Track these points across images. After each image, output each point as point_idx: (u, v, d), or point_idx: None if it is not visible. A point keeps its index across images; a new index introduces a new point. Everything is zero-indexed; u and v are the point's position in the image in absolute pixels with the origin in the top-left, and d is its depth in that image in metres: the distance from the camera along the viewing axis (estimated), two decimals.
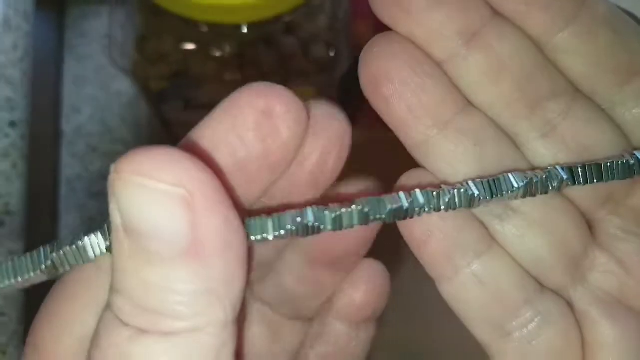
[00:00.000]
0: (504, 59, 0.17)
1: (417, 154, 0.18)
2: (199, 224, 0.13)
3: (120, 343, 0.13)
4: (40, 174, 0.39)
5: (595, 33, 0.17)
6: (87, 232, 0.14)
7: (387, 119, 0.17)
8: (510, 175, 0.16)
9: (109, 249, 0.14)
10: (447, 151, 0.17)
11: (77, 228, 0.42)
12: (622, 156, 0.17)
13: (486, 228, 0.18)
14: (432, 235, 0.17)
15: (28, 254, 0.15)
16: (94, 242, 0.14)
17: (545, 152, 0.18)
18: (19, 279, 0.15)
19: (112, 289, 0.13)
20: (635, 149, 0.17)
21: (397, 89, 0.17)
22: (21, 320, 0.31)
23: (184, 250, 0.13)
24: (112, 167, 0.13)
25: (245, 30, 0.32)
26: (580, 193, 0.18)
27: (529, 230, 0.18)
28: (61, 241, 0.15)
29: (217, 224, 0.13)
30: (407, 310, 0.38)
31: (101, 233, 0.14)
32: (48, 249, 0.15)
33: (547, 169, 0.17)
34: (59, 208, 0.42)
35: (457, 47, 0.17)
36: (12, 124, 0.30)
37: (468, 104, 0.17)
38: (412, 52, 0.17)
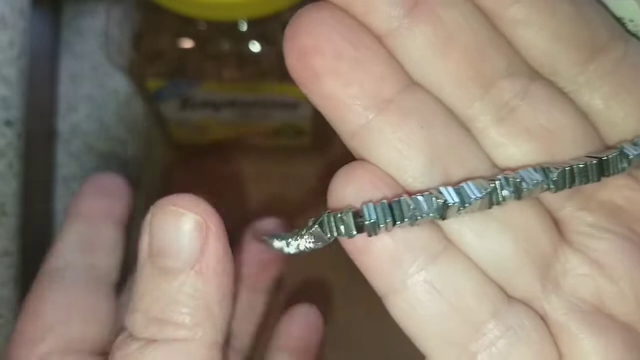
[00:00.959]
0: (453, 30, 0.15)
1: (355, 143, 0.15)
2: (207, 247, 0.16)
3: (132, 353, 0.16)
4: (36, 174, 0.38)
5: (553, 4, 0.15)
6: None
7: (317, 99, 0.15)
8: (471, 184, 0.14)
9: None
10: (391, 135, 0.15)
11: None
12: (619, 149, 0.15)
13: (438, 225, 0.15)
14: (374, 239, 0.15)
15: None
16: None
17: (503, 140, 0.16)
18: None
19: (130, 311, 0.17)
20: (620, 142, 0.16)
21: (330, 63, 0.14)
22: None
23: (193, 266, 0.16)
24: (152, 209, 0.17)
25: (244, 27, 0.31)
26: None
27: (489, 227, 0.15)
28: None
29: (219, 251, 0.16)
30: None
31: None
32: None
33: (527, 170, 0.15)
34: (55, 208, 0.42)
35: (399, 15, 0.15)
36: (8, 123, 0.30)
37: (412, 82, 0.15)
38: (346, 22, 0.15)
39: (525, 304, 0.15)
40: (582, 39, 0.15)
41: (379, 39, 0.15)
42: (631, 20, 0.17)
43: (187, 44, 0.32)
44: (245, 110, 0.37)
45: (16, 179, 0.30)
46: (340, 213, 0.15)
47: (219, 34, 0.32)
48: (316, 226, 0.15)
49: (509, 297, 0.15)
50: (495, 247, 0.15)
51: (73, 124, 0.43)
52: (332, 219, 0.15)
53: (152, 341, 0.16)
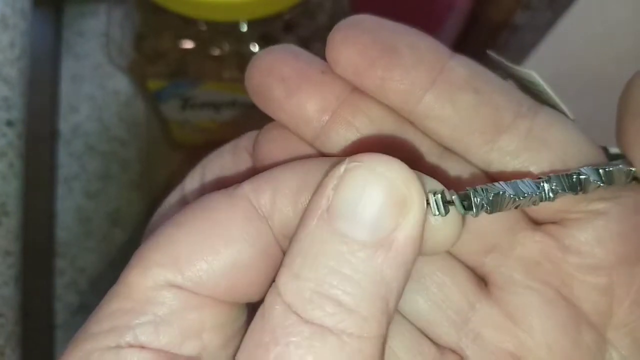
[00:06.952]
0: (363, 131, 0.18)
1: None
2: (402, 227, 0.14)
3: (302, 341, 0.14)
4: (37, 174, 0.39)
5: (453, 97, 0.17)
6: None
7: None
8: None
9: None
10: None
11: (74, 228, 0.42)
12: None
13: None
14: None
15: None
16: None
17: None
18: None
19: (288, 274, 0.14)
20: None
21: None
22: (18, 322, 0.31)
23: (379, 244, 0.14)
24: (350, 161, 0.14)
25: (244, 28, 0.32)
26: (460, 245, 0.17)
27: (408, 287, 0.17)
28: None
29: (415, 234, 0.14)
30: None
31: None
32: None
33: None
34: (56, 208, 0.42)
35: (319, 126, 0.18)
36: (9, 123, 0.30)
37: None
38: (285, 135, 0.19)
39: (454, 352, 0.18)
40: (485, 122, 0.17)
41: (310, 144, 0.18)
42: (537, 86, 0.18)
43: (188, 44, 0.32)
44: (245, 110, 0.37)
45: (17, 179, 0.30)
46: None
47: (219, 34, 0.32)
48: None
49: (439, 347, 0.18)
50: (413, 304, 0.18)
51: (74, 124, 0.43)
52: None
53: (322, 328, 0.14)
